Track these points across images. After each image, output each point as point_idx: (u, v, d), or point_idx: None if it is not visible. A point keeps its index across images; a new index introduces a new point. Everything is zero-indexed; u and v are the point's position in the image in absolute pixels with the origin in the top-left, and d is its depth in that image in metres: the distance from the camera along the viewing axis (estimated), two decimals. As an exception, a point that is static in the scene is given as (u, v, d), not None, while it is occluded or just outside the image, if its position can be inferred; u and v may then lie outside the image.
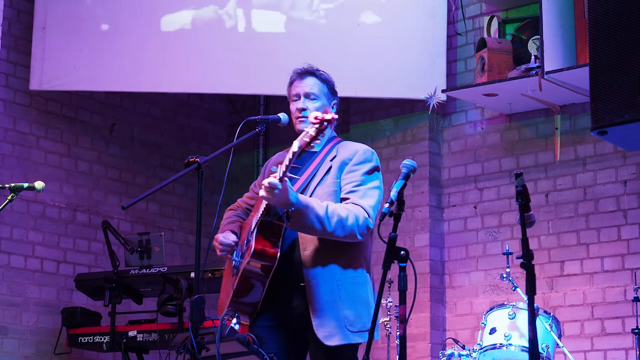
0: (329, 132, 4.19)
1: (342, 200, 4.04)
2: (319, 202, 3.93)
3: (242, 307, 4.04)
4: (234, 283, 4.04)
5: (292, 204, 3.84)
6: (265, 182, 3.81)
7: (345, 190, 4.06)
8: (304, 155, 4.10)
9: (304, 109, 4.13)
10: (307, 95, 4.16)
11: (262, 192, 3.84)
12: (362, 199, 4.02)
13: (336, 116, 3.84)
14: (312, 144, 3.81)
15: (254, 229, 3.99)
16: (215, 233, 4.18)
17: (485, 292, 6.72)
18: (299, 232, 3.99)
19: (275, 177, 3.79)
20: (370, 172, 4.10)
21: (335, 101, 4.23)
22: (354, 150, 4.15)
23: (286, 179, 3.80)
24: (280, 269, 3.98)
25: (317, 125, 3.76)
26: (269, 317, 4.07)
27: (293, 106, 4.19)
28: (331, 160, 4.12)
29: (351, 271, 4.03)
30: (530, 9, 6.69)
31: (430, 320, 6.77)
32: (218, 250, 4.13)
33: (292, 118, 4.20)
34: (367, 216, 3.97)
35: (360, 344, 4.00)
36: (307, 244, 4.01)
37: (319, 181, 4.08)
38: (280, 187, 3.78)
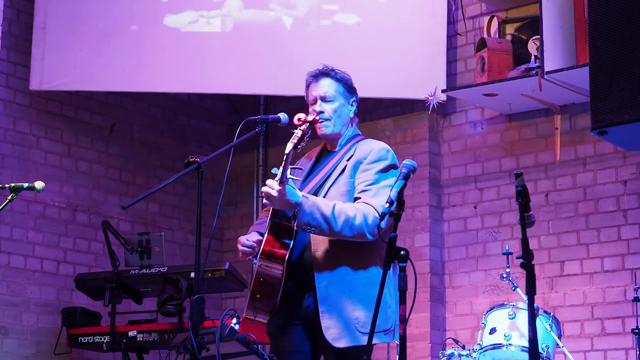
0: (351, 131, 4.20)
1: (355, 199, 4.02)
2: (326, 202, 3.92)
3: (260, 306, 4.02)
4: (251, 283, 4.04)
5: (297, 204, 3.84)
6: (264, 187, 3.84)
7: (358, 189, 4.04)
8: (327, 156, 4.16)
9: (321, 112, 4.12)
10: (324, 98, 4.14)
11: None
12: (373, 197, 3.98)
13: (317, 117, 3.97)
14: (299, 146, 3.87)
15: (266, 231, 4.00)
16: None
17: (485, 292, 6.71)
18: (311, 234, 3.98)
19: (276, 180, 3.82)
20: (384, 170, 4.07)
21: (354, 99, 4.21)
22: (369, 148, 4.12)
23: (286, 180, 3.81)
24: (293, 270, 3.98)
25: (302, 127, 3.86)
26: (284, 316, 4.06)
27: (311, 109, 4.16)
28: (347, 160, 4.11)
29: (362, 272, 4.01)
30: (530, 9, 6.69)
31: (430, 320, 6.77)
32: (240, 253, 4.12)
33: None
34: (377, 215, 3.92)
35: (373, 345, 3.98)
36: (318, 245, 4.00)
37: (333, 182, 4.08)
38: (276, 189, 3.80)
